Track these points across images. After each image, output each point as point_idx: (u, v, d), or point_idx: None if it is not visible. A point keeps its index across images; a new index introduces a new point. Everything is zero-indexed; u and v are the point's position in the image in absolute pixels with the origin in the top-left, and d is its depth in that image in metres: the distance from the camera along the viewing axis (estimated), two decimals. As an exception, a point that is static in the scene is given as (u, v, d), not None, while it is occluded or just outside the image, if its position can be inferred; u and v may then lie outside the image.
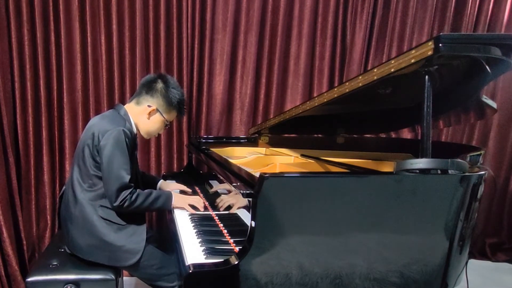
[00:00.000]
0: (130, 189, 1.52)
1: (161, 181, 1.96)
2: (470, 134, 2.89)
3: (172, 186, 1.92)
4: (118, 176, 1.49)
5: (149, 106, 1.62)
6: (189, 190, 1.91)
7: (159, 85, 1.63)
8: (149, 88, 1.63)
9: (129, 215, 1.58)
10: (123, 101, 2.39)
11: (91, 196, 1.54)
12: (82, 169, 1.55)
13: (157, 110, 1.63)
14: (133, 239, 1.54)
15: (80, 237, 1.54)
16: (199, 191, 2.01)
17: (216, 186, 1.93)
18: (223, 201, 1.69)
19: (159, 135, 2.47)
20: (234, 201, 1.64)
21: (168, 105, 1.64)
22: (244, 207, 1.56)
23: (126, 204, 1.50)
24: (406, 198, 1.21)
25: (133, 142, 1.58)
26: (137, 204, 1.53)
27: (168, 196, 1.67)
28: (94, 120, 1.62)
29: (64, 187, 1.72)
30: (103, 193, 1.54)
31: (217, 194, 1.81)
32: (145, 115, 1.63)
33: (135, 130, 1.65)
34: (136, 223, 1.59)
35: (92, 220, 1.53)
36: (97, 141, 1.50)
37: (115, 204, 1.50)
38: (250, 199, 1.15)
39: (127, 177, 1.51)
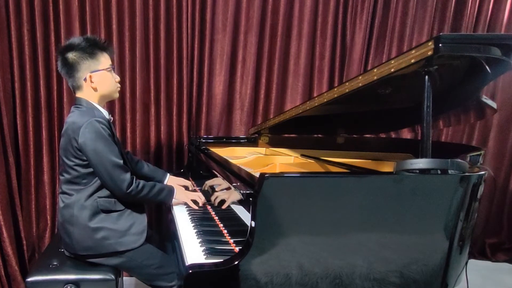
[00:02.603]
0: (129, 173, 1.53)
1: (168, 175, 1.95)
2: (470, 134, 2.89)
3: (178, 181, 1.93)
4: (112, 163, 1.48)
5: (84, 80, 1.53)
6: (192, 187, 1.94)
7: (69, 57, 1.51)
8: (68, 70, 1.53)
9: (128, 202, 1.60)
10: (123, 101, 2.40)
11: (88, 193, 1.54)
12: (72, 173, 1.53)
13: (91, 72, 1.52)
14: (135, 221, 1.57)
15: (86, 236, 1.53)
16: (199, 191, 2.01)
17: (208, 182, 1.94)
18: (218, 197, 1.70)
19: (158, 136, 2.50)
20: (227, 195, 1.65)
21: (90, 58, 1.52)
22: (238, 202, 1.57)
23: (133, 192, 1.53)
24: (406, 198, 1.21)
25: (109, 127, 1.54)
26: (143, 194, 1.57)
27: (171, 190, 1.70)
28: (66, 123, 1.55)
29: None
30: (99, 185, 1.54)
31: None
32: (90, 87, 1.54)
33: (106, 115, 1.59)
34: (135, 206, 1.62)
35: (93, 216, 1.52)
36: (75, 142, 1.47)
37: (123, 190, 1.51)
38: (250, 198, 1.15)
39: (120, 162, 1.51)
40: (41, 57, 2.24)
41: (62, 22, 2.24)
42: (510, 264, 2.95)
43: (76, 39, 1.55)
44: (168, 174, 1.96)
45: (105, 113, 1.60)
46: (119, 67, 2.35)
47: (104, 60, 1.57)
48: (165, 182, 1.92)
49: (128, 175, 1.53)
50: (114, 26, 2.30)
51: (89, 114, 1.50)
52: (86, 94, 1.57)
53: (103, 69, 1.55)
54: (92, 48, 1.53)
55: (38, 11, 2.19)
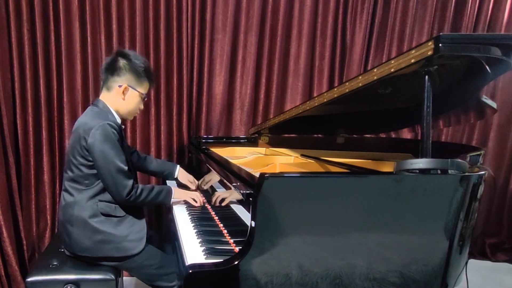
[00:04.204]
0: (132, 180, 1.54)
1: (178, 167, 1.97)
2: (470, 134, 2.89)
3: (187, 177, 1.95)
4: (117, 168, 1.49)
5: (120, 86, 1.59)
6: (194, 186, 1.95)
7: (121, 62, 1.58)
8: (113, 69, 1.59)
9: (128, 208, 1.60)
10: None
11: (89, 194, 1.54)
12: (75, 171, 1.54)
13: (129, 86, 1.59)
14: (135, 229, 1.57)
15: (85, 237, 1.54)
16: (199, 191, 2.01)
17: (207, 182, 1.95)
18: (219, 196, 1.70)
19: (158, 136, 2.50)
20: (227, 194, 1.65)
21: (137, 77, 1.60)
22: (238, 202, 1.57)
23: (132, 198, 1.54)
24: (406, 198, 1.21)
25: (120, 133, 1.56)
26: (142, 199, 1.57)
27: (169, 191, 1.70)
28: (78, 122, 1.59)
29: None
30: (101, 188, 1.55)
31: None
32: (119, 96, 1.60)
33: (119, 120, 1.63)
34: (135, 214, 1.62)
35: (92, 219, 1.53)
36: (84, 141, 1.49)
37: (123, 196, 1.52)
38: (250, 198, 1.15)
39: (125, 168, 1.52)
40: (41, 57, 2.24)
41: (62, 22, 2.24)
42: (510, 264, 2.95)
43: (138, 56, 1.63)
44: (178, 166, 1.97)
45: (118, 119, 1.63)
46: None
47: (144, 86, 1.64)
48: (175, 174, 1.95)
49: (130, 182, 1.53)
50: (114, 26, 2.29)
51: (103, 117, 1.53)
52: (110, 96, 1.61)
53: (138, 92, 1.62)
54: (144, 71, 1.61)
55: (38, 11, 2.19)
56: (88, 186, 1.55)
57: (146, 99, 1.71)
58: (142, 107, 1.70)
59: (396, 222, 1.22)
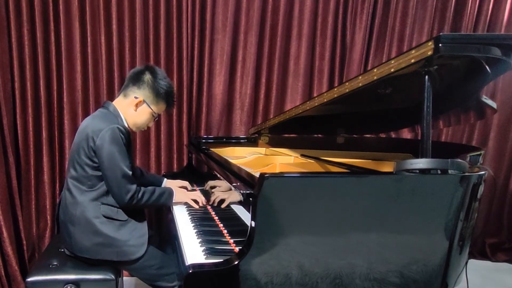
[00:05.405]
0: (135, 185, 1.55)
1: (165, 180, 1.96)
2: (470, 134, 2.89)
3: (175, 183, 1.93)
4: (122, 172, 1.50)
5: (136, 97, 1.60)
6: (190, 187, 1.94)
7: (146, 76, 1.60)
8: (136, 79, 1.61)
9: (130, 212, 1.60)
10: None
11: (92, 196, 1.54)
12: (79, 171, 1.54)
13: (144, 101, 1.61)
14: (136, 234, 1.56)
15: (85, 238, 1.53)
16: (198, 190, 2.01)
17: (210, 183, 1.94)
18: (218, 197, 1.70)
19: (158, 136, 2.50)
20: (227, 195, 1.65)
21: (155, 96, 1.61)
22: (238, 202, 1.57)
23: (134, 202, 1.54)
24: (406, 198, 1.21)
25: (128, 138, 1.57)
26: (144, 201, 1.57)
27: (170, 192, 1.71)
28: (86, 122, 1.60)
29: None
30: (104, 191, 1.55)
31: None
32: (132, 106, 1.61)
33: (127, 125, 1.64)
34: (137, 219, 1.61)
35: (94, 220, 1.52)
36: (92, 142, 1.49)
37: (125, 201, 1.52)
38: (250, 198, 1.15)
39: (130, 172, 1.53)
40: (41, 57, 2.24)
41: (62, 22, 2.24)
42: (510, 264, 2.95)
43: (165, 77, 1.65)
44: (165, 178, 1.97)
45: (126, 124, 1.63)
46: (119, 67, 2.35)
47: (160, 107, 1.67)
48: (162, 185, 1.92)
49: (133, 187, 1.53)
50: (114, 26, 2.29)
51: (112, 120, 1.54)
52: (124, 103, 1.63)
53: (151, 109, 1.63)
54: (165, 93, 1.63)
55: (38, 11, 2.19)
56: (91, 187, 1.54)
57: (158, 118, 1.73)
58: (151, 125, 1.73)
59: (396, 222, 1.22)
